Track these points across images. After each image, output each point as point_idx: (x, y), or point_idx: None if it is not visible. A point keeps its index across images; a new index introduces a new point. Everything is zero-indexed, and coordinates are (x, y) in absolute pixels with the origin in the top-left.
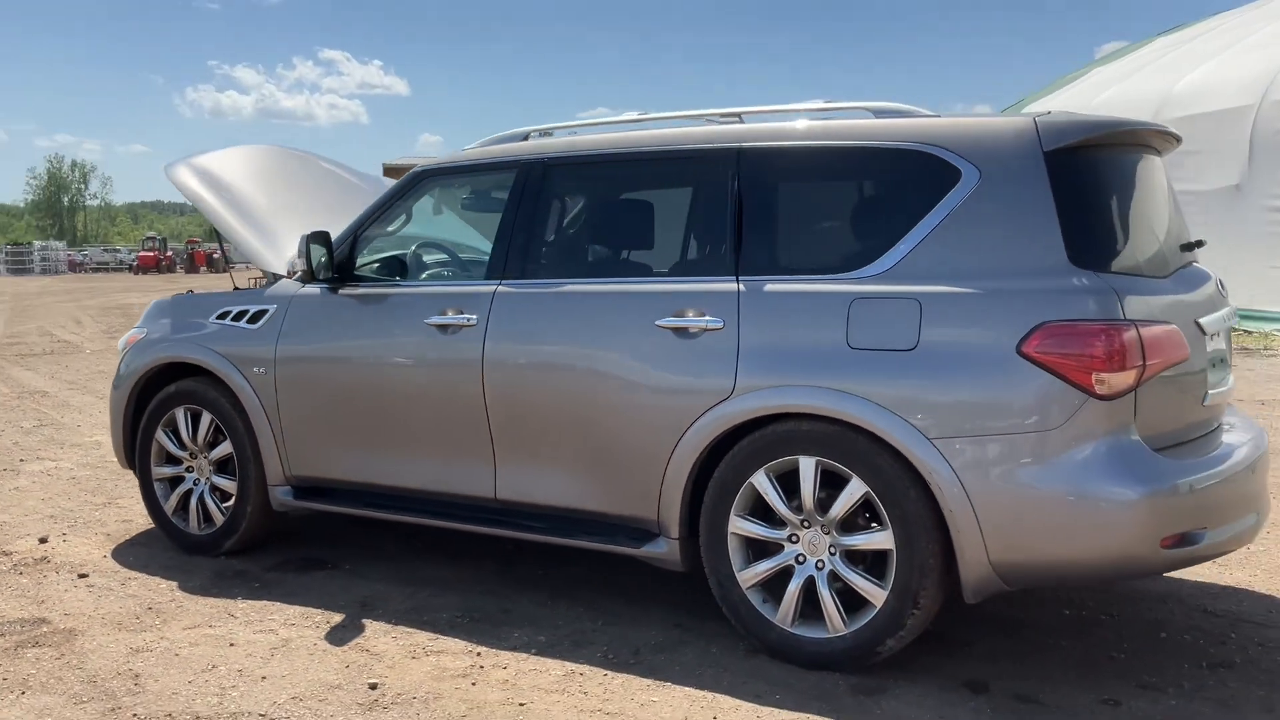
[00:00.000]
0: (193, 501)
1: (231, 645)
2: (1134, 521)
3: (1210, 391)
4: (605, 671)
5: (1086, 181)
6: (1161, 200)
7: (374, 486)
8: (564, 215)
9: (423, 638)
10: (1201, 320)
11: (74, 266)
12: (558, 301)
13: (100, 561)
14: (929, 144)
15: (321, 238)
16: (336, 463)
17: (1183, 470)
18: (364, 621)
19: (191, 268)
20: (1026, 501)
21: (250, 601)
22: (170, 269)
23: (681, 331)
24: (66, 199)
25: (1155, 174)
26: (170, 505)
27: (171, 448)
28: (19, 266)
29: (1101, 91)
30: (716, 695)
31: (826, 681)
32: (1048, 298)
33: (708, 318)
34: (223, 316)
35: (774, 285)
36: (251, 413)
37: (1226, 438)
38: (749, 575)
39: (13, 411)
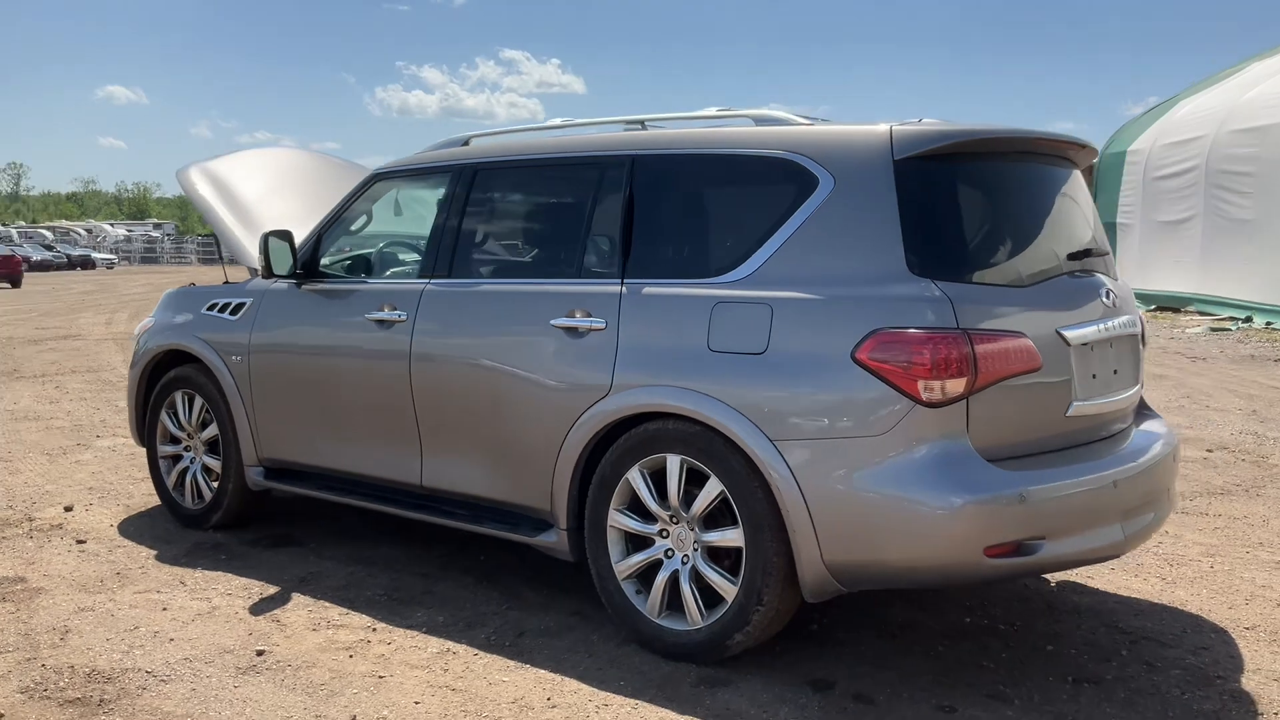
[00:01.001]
0: (188, 478)
1: (164, 610)
2: (953, 529)
3: (1079, 403)
4: (477, 652)
5: (936, 190)
6: (1043, 209)
7: (328, 470)
8: (485, 218)
9: (334, 612)
10: (1066, 331)
11: None
12: (472, 300)
13: (104, 530)
14: (792, 152)
15: (284, 236)
16: (297, 447)
17: (1015, 481)
18: (293, 595)
19: None
20: (857, 505)
21: (207, 572)
22: None
23: (571, 331)
24: None
25: (1040, 183)
26: (171, 481)
27: (172, 428)
28: (209, 257)
29: (1248, 90)
30: (566, 679)
31: (679, 671)
32: (882, 305)
33: (593, 318)
34: (211, 308)
35: (651, 288)
36: (230, 398)
37: (1108, 446)
38: (624, 567)
39: (117, 391)
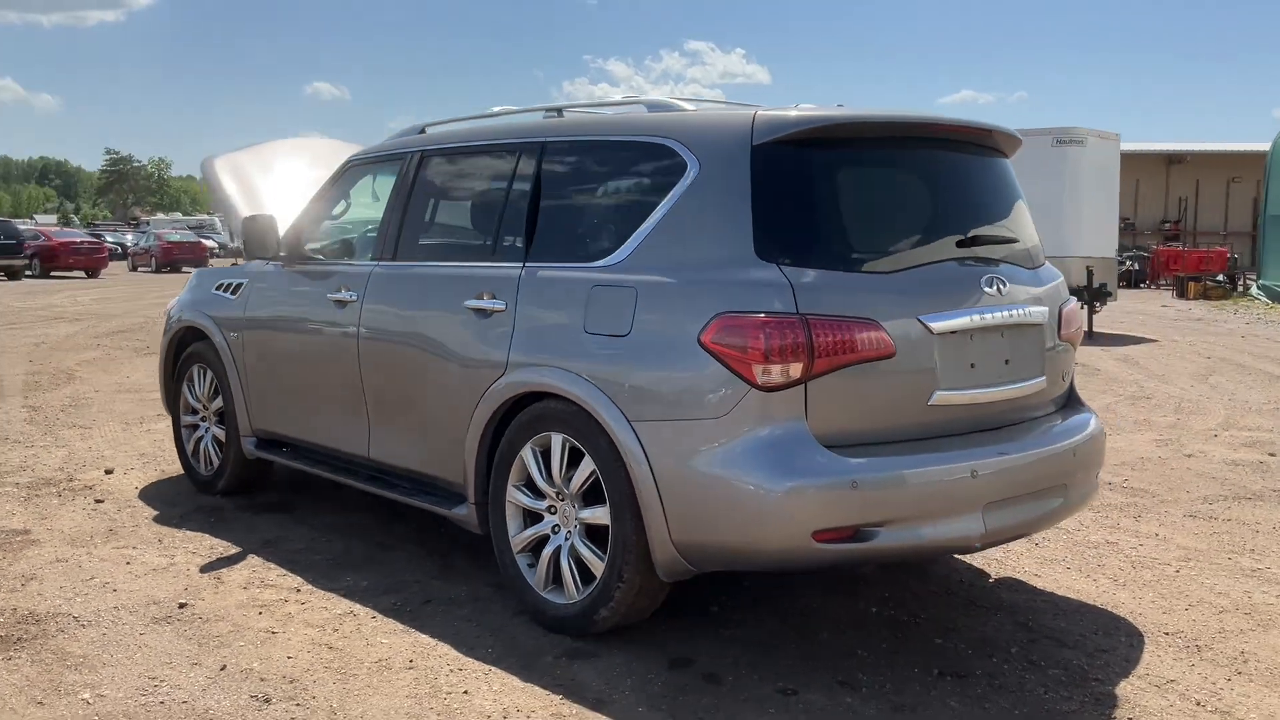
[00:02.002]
0: (201, 446)
1: (127, 564)
2: (779, 512)
3: (943, 392)
4: (376, 615)
5: (794, 175)
6: (932, 196)
7: (302, 442)
8: (424, 203)
9: (275, 573)
10: (929, 319)
11: None
12: (407, 282)
13: (126, 492)
14: (666, 137)
15: (265, 220)
16: (279, 419)
17: (849, 467)
18: (249, 556)
19: None
20: (699, 486)
21: (189, 532)
22: None
23: (480, 312)
24: None
25: (934, 170)
26: (190, 449)
27: (190, 400)
28: None
29: None
30: (440, 644)
31: (551, 643)
32: (727, 289)
33: (496, 300)
34: (218, 288)
35: (544, 271)
36: (228, 371)
37: (994, 436)
38: (517, 541)
39: None
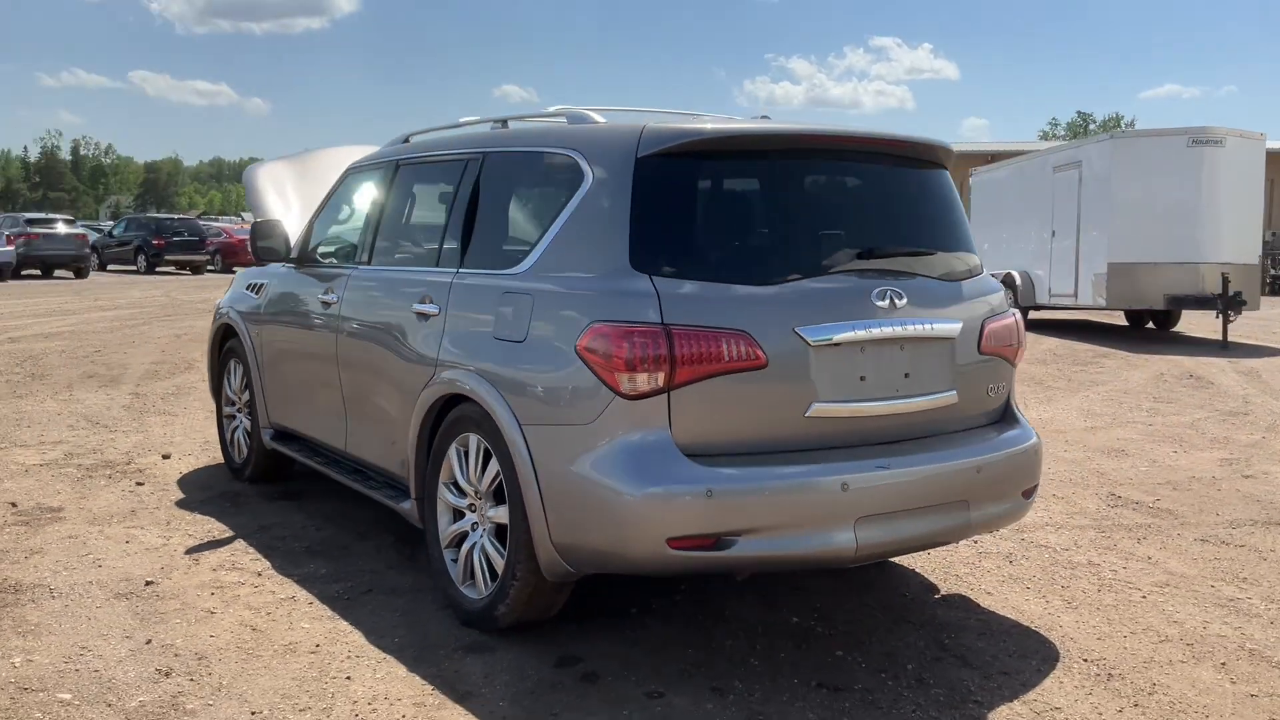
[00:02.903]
0: (235, 436)
1: (126, 543)
2: (636, 518)
3: (822, 404)
4: (313, 601)
5: (674, 187)
6: (830, 207)
7: (303, 435)
8: (395, 210)
9: (248, 558)
10: (805, 330)
11: None
12: (372, 286)
13: (168, 476)
14: (571, 149)
15: (272, 225)
16: (287, 412)
17: (705, 476)
18: (237, 540)
19: None
20: (571, 489)
21: (200, 516)
22: None
23: (421, 315)
24: None
25: (838, 181)
26: (229, 438)
27: (229, 391)
28: None
29: None
30: (354, 631)
31: (458, 636)
32: (601, 299)
33: (432, 304)
34: (248, 287)
35: (470, 278)
36: (250, 365)
37: (867, 452)
38: (445, 537)
39: None
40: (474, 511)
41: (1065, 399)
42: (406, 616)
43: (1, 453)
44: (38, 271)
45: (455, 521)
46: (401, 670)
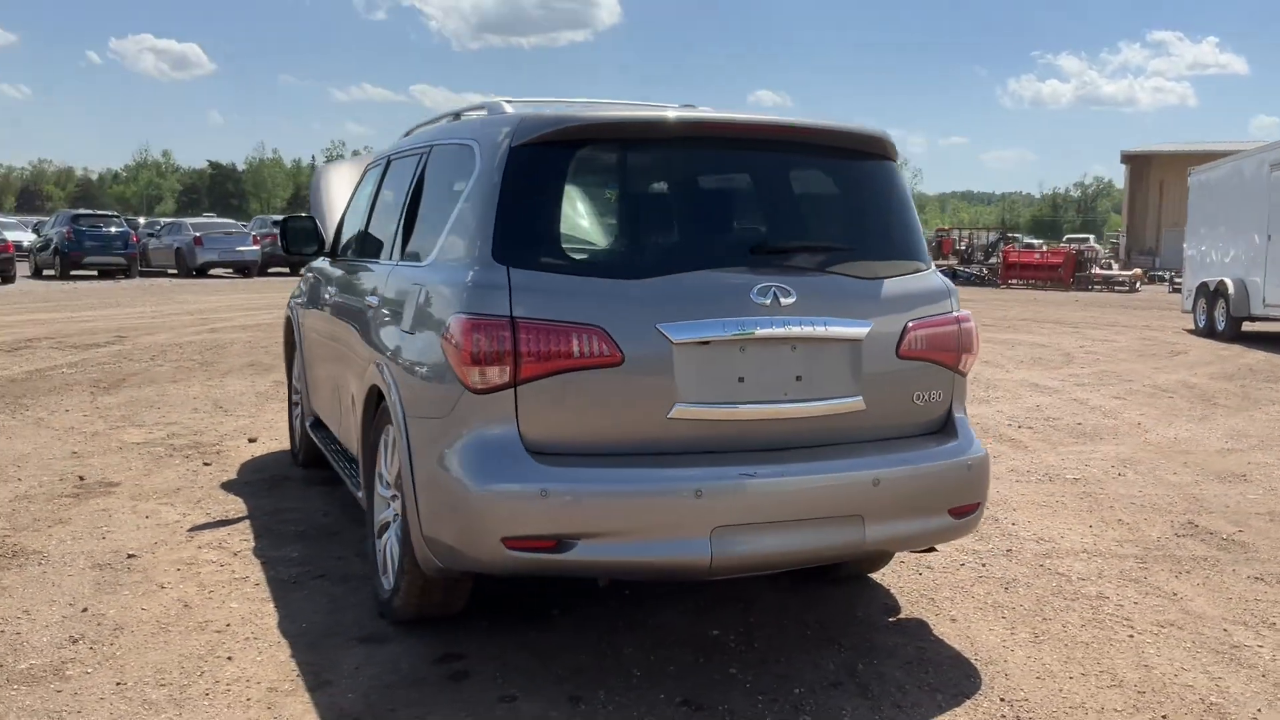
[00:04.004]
0: (294, 423)
1: (146, 517)
2: (474, 517)
3: (684, 405)
4: (260, 583)
5: (542, 177)
6: (706, 200)
7: (325, 424)
8: (381, 205)
9: (238, 538)
10: (668, 328)
11: None
12: (352, 280)
13: (240, 458)
14: (472, 139)
15: (305, 220)
16: (315, 400)
17: (543, 475)
18: (243, 521)
19: (937, 256)
20: (432, 483)
21: (233, 496)
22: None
23: (369, 308)
24: None
25: (730, 172)
26: (293, 425)
27: (295, 381)
28: None
29: None
30: (275, 613)
31: (363, 625)
32: (461, 291)
33: (374, 297)
34: (303, 280)
35: (397, 271)
36: (298, 355)
37: (735, 458)
38: (375, 526)
39: None
40: (396, 502)
41: (1222, 418)
42: (334, 603)
43: (116, 431)
44: (286, 270)
45: (383, 512)
46: (284, 655)
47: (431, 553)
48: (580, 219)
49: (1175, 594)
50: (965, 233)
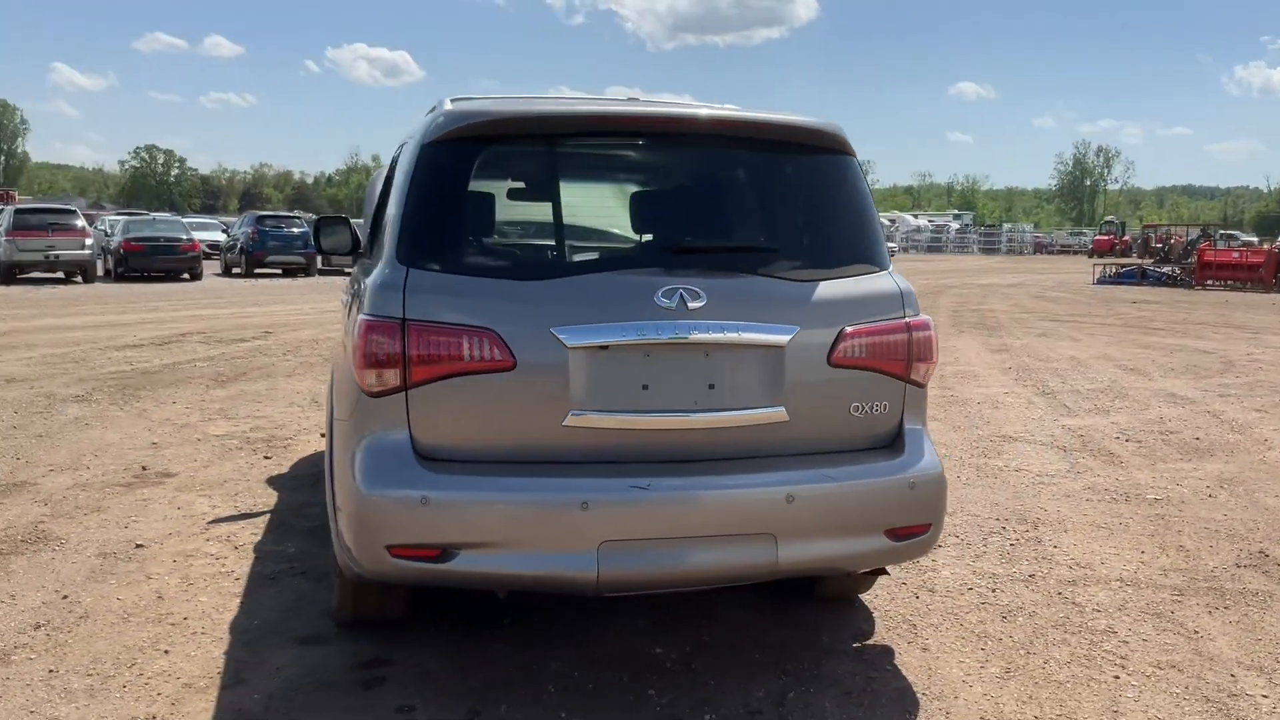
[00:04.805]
0: None
1: (178, 508)
2: (359, 522)
3: (579, 413)
4: (240, 578)
5: (444, 176)
6: (616, 197)
7: None
8: (379, 199)
9: (247, 533)
10: (562, 332)
11: (1040, 247)
12: (349, 278)
13: (303, 453)
14: (408, 138)
15: (339, 220)
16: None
17: (426, 482)
18: (264, 516)
19: (1146, 251)
20: (338, 488)
21: (273, 490)
22: (1125, 251)
23: (343, 307)
24: (1089, 183)
25: (628, 168)
26: None
27: None
28: (990, 247)
29: None
30: (235, 610)
31: (312, 624)
32: (366, 292)
33: (346, 295)
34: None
35: (355, 272)
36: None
37: (630, 469)
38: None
39: None
40: None
41: None
42: (298, 601)
43: (206, 423)
44: None
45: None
46: (218, 651)
47: (346, 557)
48: (484, 218)
49: (1197, 632)
50: (1162, 230)
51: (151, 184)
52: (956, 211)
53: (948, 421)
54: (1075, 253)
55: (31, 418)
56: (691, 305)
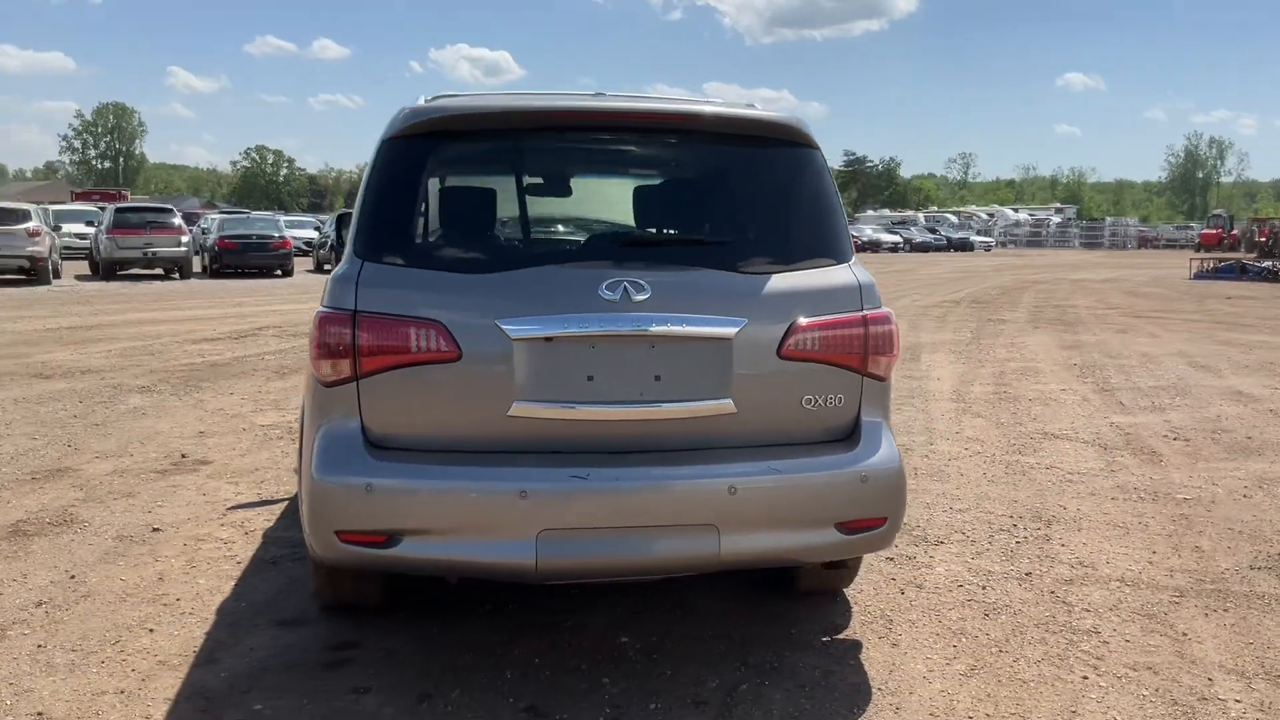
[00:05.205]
0: None
1: (203, 495)
2: (311, 507)
3: (523, 403)
4: (242, 563)
5: (400, 171)
6: (549, 190)
7: None
8: None
9: (261, 519)
10: (506, 324)
11: (1145, 242)
12: None
13: None
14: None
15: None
16: None
17: (372, 470)
18: (279, 504)
19: (1251, 245)
20: (302, 474)
21: (291, 474)
22: (1233, 246)
23: None
24: (1200, 175)
25: (576, 161)
26: None
27: None
28: (1092, 241)
29: None
30: (228, 592)
31: (297, 607)
32: (326, 285)
33: None
34: None
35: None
36: None
37: (571, 460)
38: None
39: None
40: None
41: None
42: (290, 585)
43: (255, 414)
44: None
45: None
46: (200, 631)
47: (308, 542)
48: (439, 212)
49: (1185, 634)
50: (1269, 223)
51: (261, 183)
52: (1058, 205)
53: (992, 419)
54: (1182, 247)
55: (94, 407)
56: (636, 298)
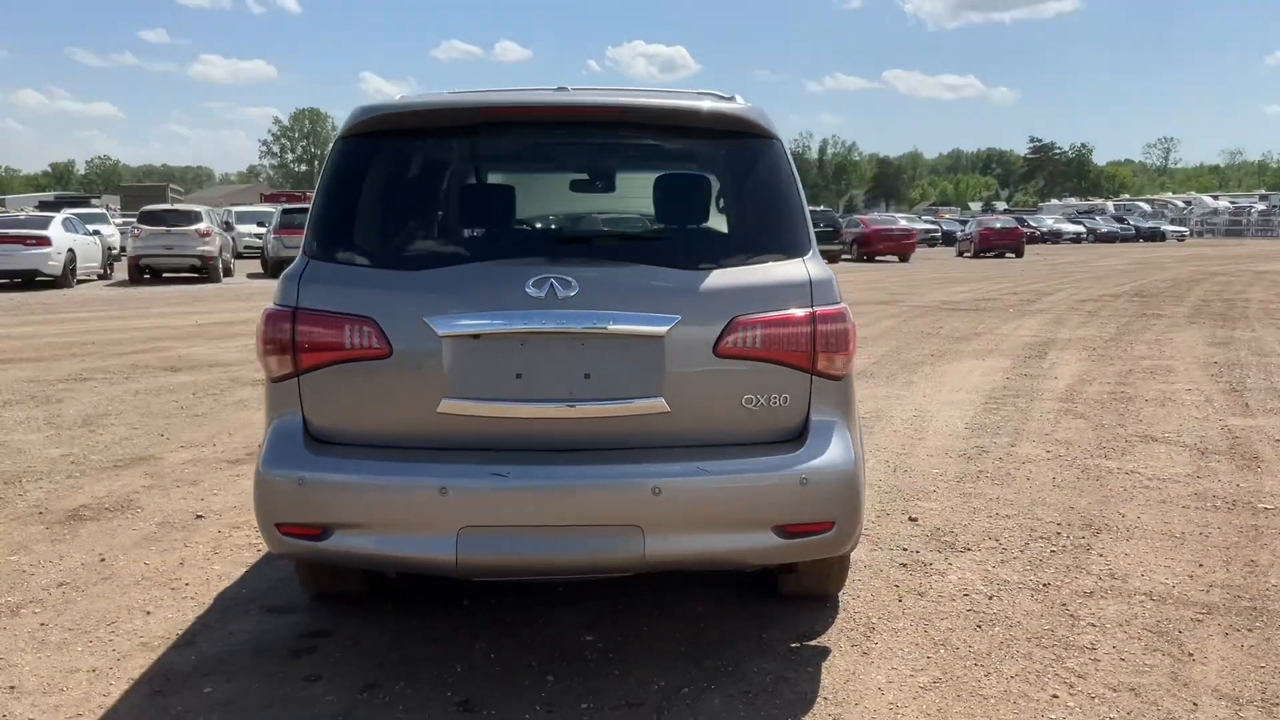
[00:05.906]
0: None
1: (215, 495)
2: (256, 499)
3: (451, 400)
4: (247, 548)
5: (347, 170)
6: (484, 187)
7: None
8: None
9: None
10: (433, 321)
11: None
12: None
13: None
14: None
15: None
16: None
17: (303, 464)
18: None
19: None
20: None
21: None
22: None
23: None
24: None
25: (514, 157)
26: None
27: None
28: (1234, 229)
29: None
30: (232, 580)
31: (288, 595)
32: (279, 281)
33: None
34: None
35: None
36: None
37: (495, 458)
38: None
39: None
40: None
41: None
42: (292, 574)
43: None
44: None
45: None
46: (191, 616)
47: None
48: (383, 210)
49: (1191, 654)
50: None
51: None
52: (1264, 192)
53: (1094, 420)
54: None
55: (203, 399)
56: (562, 295)
